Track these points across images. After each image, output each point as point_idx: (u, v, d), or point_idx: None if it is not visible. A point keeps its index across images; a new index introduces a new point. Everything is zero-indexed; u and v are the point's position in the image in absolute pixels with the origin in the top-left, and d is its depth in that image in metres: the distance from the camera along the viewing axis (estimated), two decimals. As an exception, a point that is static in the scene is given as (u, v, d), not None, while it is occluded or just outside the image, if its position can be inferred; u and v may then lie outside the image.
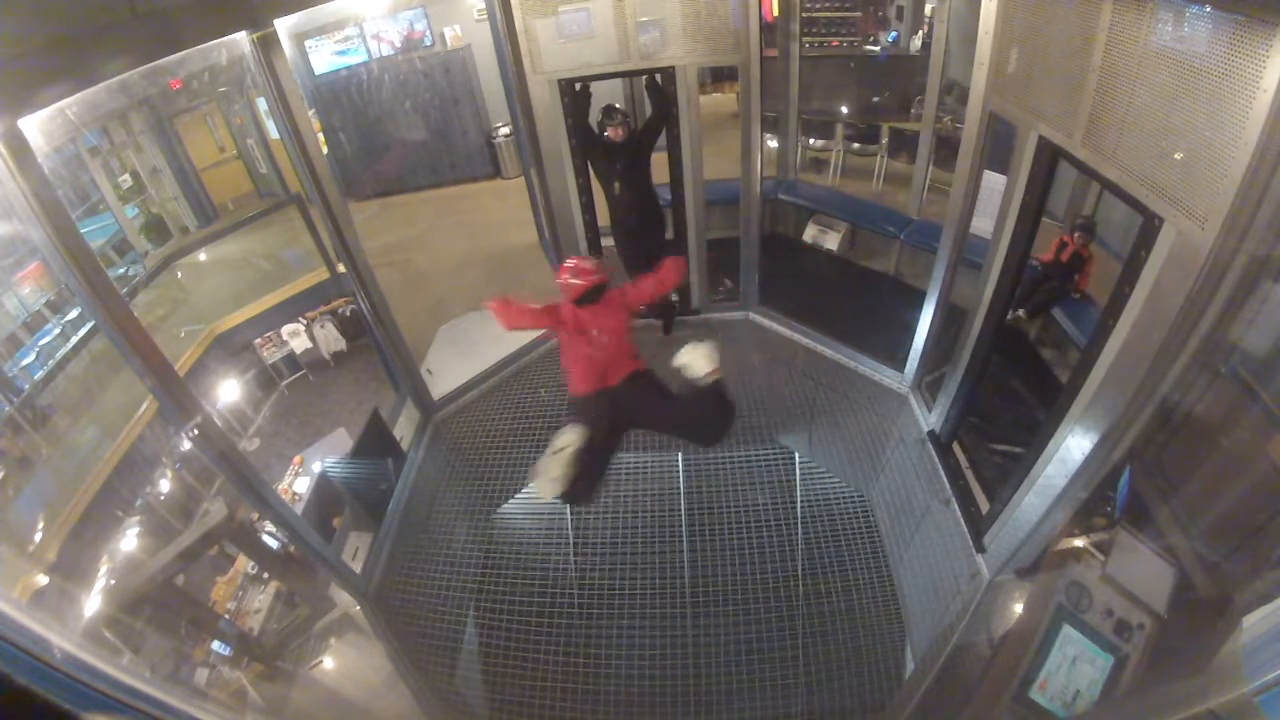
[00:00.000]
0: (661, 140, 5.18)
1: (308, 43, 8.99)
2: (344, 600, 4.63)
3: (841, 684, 4.41)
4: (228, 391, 7.19)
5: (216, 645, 4.75)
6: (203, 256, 9.32)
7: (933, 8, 8.36)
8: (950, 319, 4.67)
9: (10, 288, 7.09)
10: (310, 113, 5.48)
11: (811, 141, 8.76)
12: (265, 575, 5.35)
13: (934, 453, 4.69)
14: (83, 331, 7.08)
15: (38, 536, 5.29)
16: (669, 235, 5.71)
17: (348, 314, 7.85)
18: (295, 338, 7.79)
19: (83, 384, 6.82)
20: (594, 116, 5.09)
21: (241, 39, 3.56)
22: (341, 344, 7.96)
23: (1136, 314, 2.68)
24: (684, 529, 5.20)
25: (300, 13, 3.94)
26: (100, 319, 2.94)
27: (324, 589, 4.85)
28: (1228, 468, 3.19)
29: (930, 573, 4.34)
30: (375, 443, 4.98)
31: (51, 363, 6.76)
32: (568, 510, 5.38)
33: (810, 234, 7.38)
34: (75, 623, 4.15)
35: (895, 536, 4.82)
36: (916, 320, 4.88)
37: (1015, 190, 3.62)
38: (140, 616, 4.50)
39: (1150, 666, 2.97)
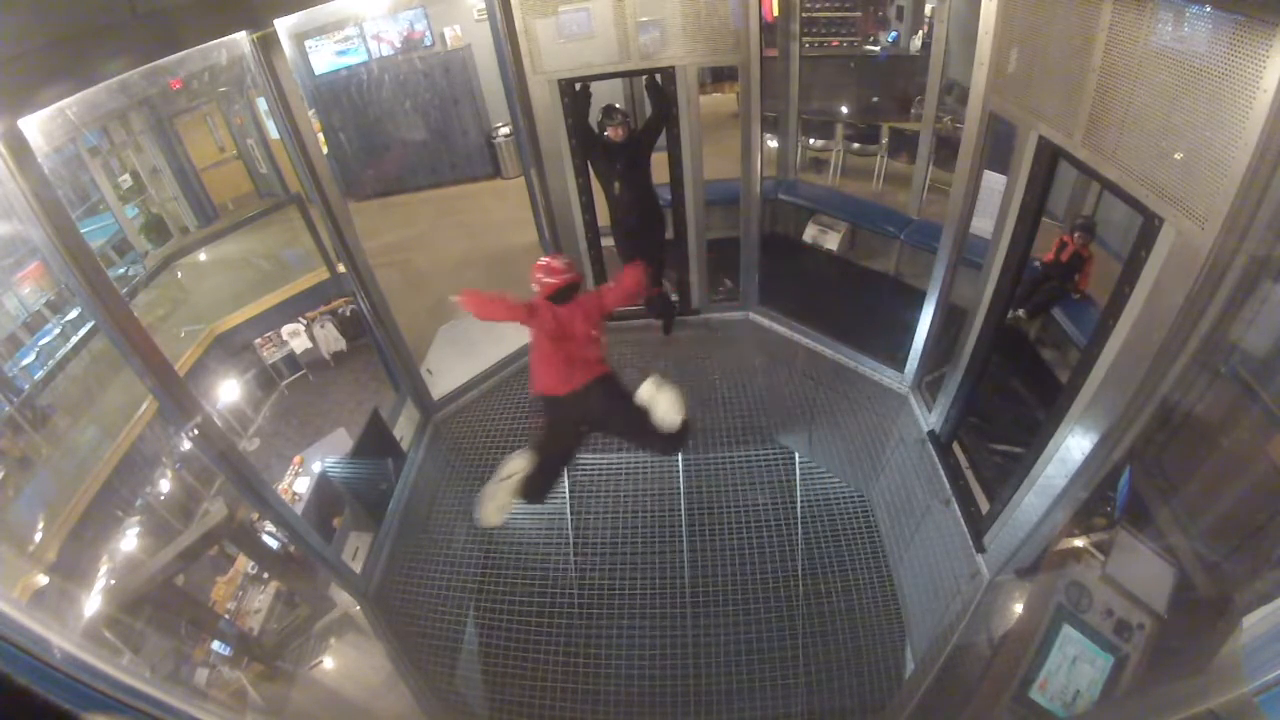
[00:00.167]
0: (661, 140, 5.18)
1: (308, 43, 8.99)
2: (344, 600, 4.63)
3: (841, 684, 4.40)
4: (228, 391, 7.19)
5: (216, 645, 4.75)
6: (203, 256, 9.32)
7: (933, 8, 8.36)
8: (950, 319, 4.67)
9: (10, 288, 7.09)
10: (310, 113, 5.48)
11: (811, 141, 8.76)
12: (265, 575, 5.35)
13: (934, 453, 4.69)
14: (83, 331, 7.07)
15: (38, 536, 5.29)
16: (669, 235, 5.71)
17: (348, 314, 7.85)
18: (295, 338, 7.79)
19: (83, 384, 6.81)
20: (594, 116, 5.09)
21: (241, 39, 3.56)
22: (341, 344, 7.96)
23: (1136, 314, 2.68)
24: (684, 529, 5.20)
25: (300, 13, 3.94)
26: (100, 319, 2.94)
27: (324, 589, 4.85)
28: (1228, 468, 3.19)
29: (930, 573, 4.34)
30: (375, 443, 4.98)
31: (51, 363, 6.76)
32: (568, 510, 5.38)
33: (810, 234, 7.38)
34: (75, 623, 4.15)
35: (895, 536, 4.81)
36: (916, 320, 4.88)
37: (1015, 190, 3.62)
38: (140, 616, 4.50)
39: (1150, 666, 2.97)
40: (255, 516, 4.93)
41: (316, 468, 5.95)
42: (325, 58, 9.20)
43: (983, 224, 4.19)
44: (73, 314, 7.21)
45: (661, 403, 3.30)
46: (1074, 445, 3.11)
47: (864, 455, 5.22)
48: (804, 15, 7.88)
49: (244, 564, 5.44)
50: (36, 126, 2.61)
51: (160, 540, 5.37)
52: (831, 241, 7.27)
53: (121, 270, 8.31)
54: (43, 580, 4.71)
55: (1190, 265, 2.35)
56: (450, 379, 5.75)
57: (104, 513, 5.74)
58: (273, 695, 4.68)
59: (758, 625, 4.76)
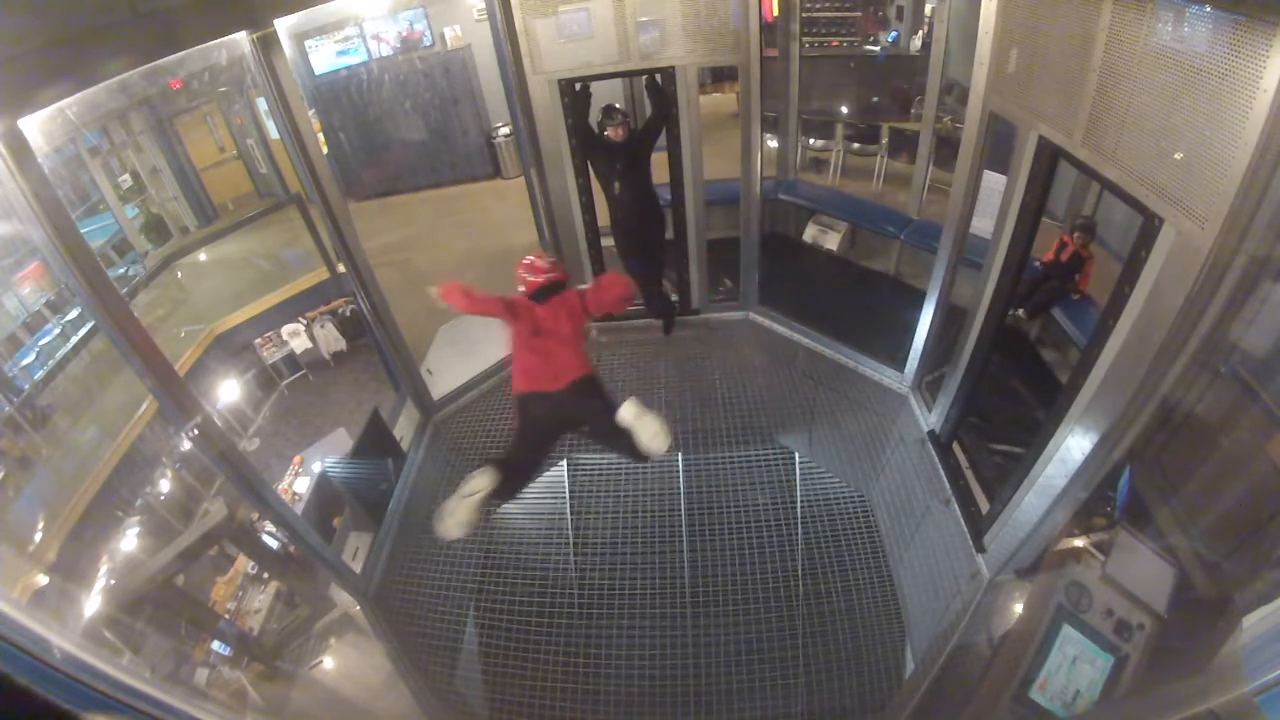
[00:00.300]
0: (661, 140, 5.18)
1: (308, 43, 8.99)
2: (344, 600, 4.63)
3: (841, 684, 4.40)
4: (228, 391, 7.19)
5: (216, 645, 4.75)
6: (203, 256, 9.33)
7: (933, 8, 8.36)
8: (950, 319, 4.67)
9: (10, 288, 7.10)
10: (310, 113, 5.48)
11: (811, 141, 8.76)
12: (265, 575, 5.35)
13: (934, 453, 4.69)
14: (83, 331, 7.08)
15: (38, 536, 5.29)
16: (669, 235, 5.72)
17: (348, 314, 7.85)
18: (295, 338, 7.80)
19: (83, 384, 6.82)
20: (594, 116, 5.09)
21: (241, 39, 3.56)
22: (341, 344, 7.97)
23: (1136, 314, 2.68)
24: (684, 529, 5.20)
25: (300, 13, 3.94)
26: (100, 319, 2.94)
27: (324, 589, 4.85)
28: (1228, 468, 3.19)
29: (930, 573, 4.34)
30: (375, 443, 4.98)
31: (51, 363, 6.77)
32: (568, 510, 5.39)
33: (810, 234, 7.38)
34: (75, 623, 4.15)
35: (895, 536, 4.81)
36: (916, 320, 4.88)
37: (1015, 190, 3.62)
38: (140, 616, 4.50)
39: (1150, 666, 2.97)
40: (255, 516, 4.93)
41: (316, 468, 5.96)
42: (325, 58, 9.20)
43: (983, 224, 4.18)
44: (73, 314, 7.22)
45: (646, 430, 3.22)
46: (1074, 445, 3.11)
47: (864, 455, 5.22)
48: (804, 15, 7.87)
49: (244, 564, 5.44)
50: (36, 126, 2.61)
51: (160, 540, 5.37)
52: (831, 241, 7.27)
53: (121, 270, 8.31)
54: (43, 580, 4.71)
55: (1190, 265, 2.35)
56: (450, 379, 5.75)
57: (104, 513, 5.74)
58: (273, 695, 4.68)
59: (758, 625, 4.76)
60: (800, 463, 5.40)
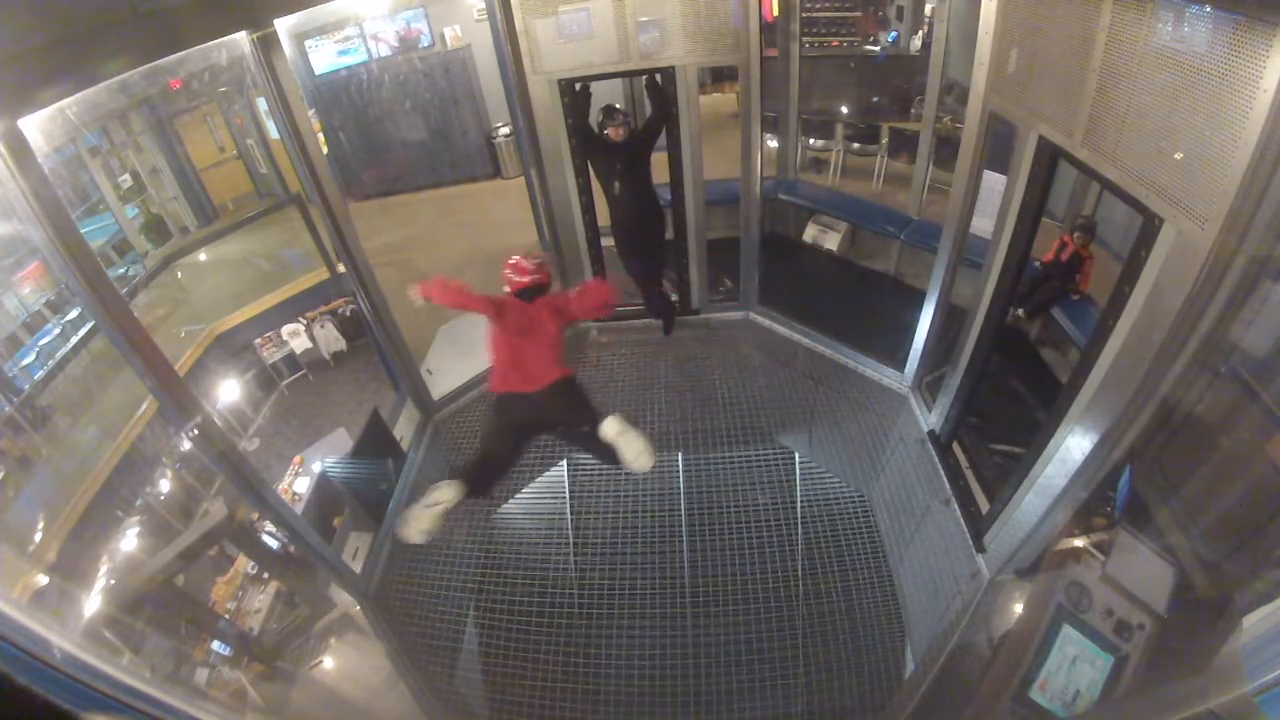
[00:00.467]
0: (661, 140, 5.18)
1: (308, 43, 8.98)
2: (344, 600, 4.62)
3: (841, 684, 4.40)
4: (228, 391, 7.19)
5: (216, 645, 4.75)
6: (203, 256, 9.33)
7: (933, 8, 8.35)
8: (950, 319, 4.67)
9: (10, 288, 7.10)
10: (310, 113, 5.48)
11: (811, 141, 8.75)
12: (265, 575, 5.35)
13: (934, 453, 4.69)
14: (83, 331, 7.08)
15: (38, 536, 5.29)
16: (669, 235, 5.72)
17: (348, 314, 7.85)
18: (295, 338, 7.79)
19: (83, 384, 6.82)
20: (594, 116, 5.09)
21: (241, 39, 3.56)
22: (341, 344, 7.96)
23: (1136, 314, 2.68)
24: (684, 529, 5.20)
25: (300, 13, 3.93)
26: (100, 319, 2.94)
27: (324, 589, 4.84)
28: (1228, 468, 3.19)
29: (930, 573, 4.34)
30: (375, 443, 4.98)
31: (51, 363, 6.76)
32: (568, 510, 5.38)
33: (810, 234, 7.38)
34: (75, 623, 4.15)
35: (895, 536, 4.81)
36: (916, 320, 4.88)
37: (1015, 190, 3.62)
38: (140, 616, 4.49)
39: (1150, 666, 2.97)
40: (255, 516, 4.92)
41: (316, 468, 5.95)
42: (325, 58, 9.20)
43: (983, 224, 4.18)
44: (73, 314, 7.22)
45: (630, 448, 3.21)
46: (1074, 445, 3.11)
47: (864, 455, 5.22)
48: (804, 15, 7.87)
49: (244, 564, 5.44)
50: (36, 126, 2.61)
51: (160, 540, 5.37)
52: (831, 241, 7.27)
53: (121, 270, 8.31)
54: (43, 580, 4.70)
55: (1190, 265, 2.35)
56: (450, 379, 5.75)
57: (104, 513, 5.73)
58: (273, 695, 4.68)
59: (758, 625, 4.76)
60: (800, 463, 5.40)
